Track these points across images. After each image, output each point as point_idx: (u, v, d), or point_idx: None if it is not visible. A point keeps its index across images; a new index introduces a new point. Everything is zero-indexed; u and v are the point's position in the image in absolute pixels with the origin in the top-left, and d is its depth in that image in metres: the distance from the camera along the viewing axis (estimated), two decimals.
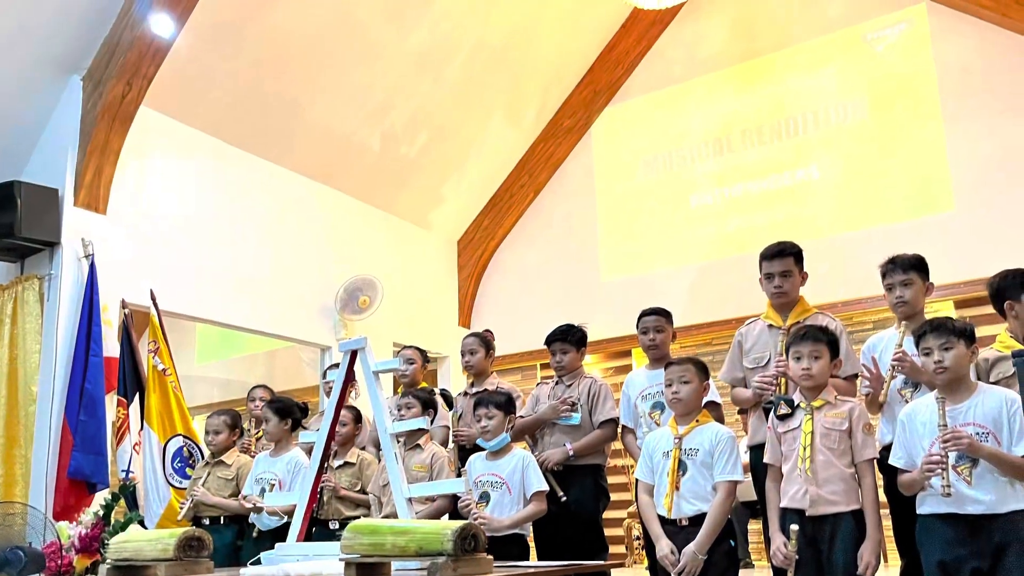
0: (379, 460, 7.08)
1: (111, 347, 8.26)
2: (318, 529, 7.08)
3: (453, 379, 12.06)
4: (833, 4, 10.80)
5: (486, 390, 7.02)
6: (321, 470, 5.50)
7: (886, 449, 5.15)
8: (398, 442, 5.65)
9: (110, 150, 8.40)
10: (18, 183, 8.05)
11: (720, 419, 6.03)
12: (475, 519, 5.76)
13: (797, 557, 4.94)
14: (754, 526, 9.00)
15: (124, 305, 8.47)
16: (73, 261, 8.24)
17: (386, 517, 6.30)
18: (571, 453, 6.69)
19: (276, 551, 5.22)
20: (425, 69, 10.73)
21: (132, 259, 8.63)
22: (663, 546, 5.38)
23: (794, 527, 4.94)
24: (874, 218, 10.10)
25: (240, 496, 7.36)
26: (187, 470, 8.30)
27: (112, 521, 6.78)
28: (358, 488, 7.22)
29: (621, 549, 10.20)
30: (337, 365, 5.93)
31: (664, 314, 6.83)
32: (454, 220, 12.86)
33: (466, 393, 7.51)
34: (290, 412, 7.51)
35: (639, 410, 6.66)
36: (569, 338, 7.06)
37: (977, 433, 4.51)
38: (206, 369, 14.28)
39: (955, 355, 4.64)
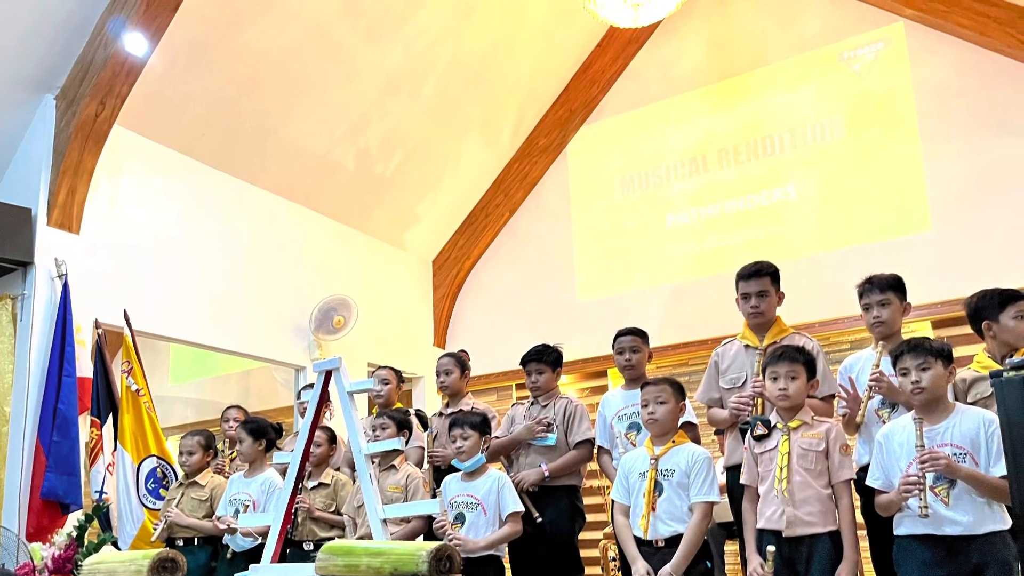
0: (354, 481, 7.06)
1: (84, 367, 8.18)
2: (292, 550, 7.05)
3: (428, 399, 11.99)
4: (810, 23, 10.80)
5: (461, 410, 7.01)
6: (295, 491, 5.48)
7: (863, 470, 5.16)
8: (373, 463, 5.63)
9: (83, 169, 8.34)
10: None
11: (696, 440, 6.05)
12: (450, 540, 5.75)
13: None
14: (731, 547, 8.96)
15: (98, 325, 8.41)
16: (46, 281, 8.17)
17: (361, 538, 6.28)
18: (547, 474, 6.69)
19: (250, 572, 5.18)
20: (400, 88, 10.70)
21: (106, 279, 8.56)
22: (639, 567, 5.38)
23: (771, 548, 4.94)
24: (851, 238, 10.09)
25: (214, 517, 7.32)
26: (161, 491, 8.24)
27: (85, 542, 6.78)
28: (332, 509, 7.18)
29: (597, 570, 10.16)
30: (311, 385, 5.90)
31: (640, 334, 6.84)
32: (429, 240, 12.82)
33: (441, 413, 7.50)
34: (264, 433, 7.49)
35: (615, 430, 6.67)
36: (545, 358, 7.06)
37: (955, 454, 4.51)
38: (180, 390, 14.19)
39: (932, 375, 4.65)
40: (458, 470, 6.29)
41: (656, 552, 5.39)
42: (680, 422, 5.76)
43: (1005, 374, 3.87)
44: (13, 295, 8.22)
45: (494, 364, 11.70)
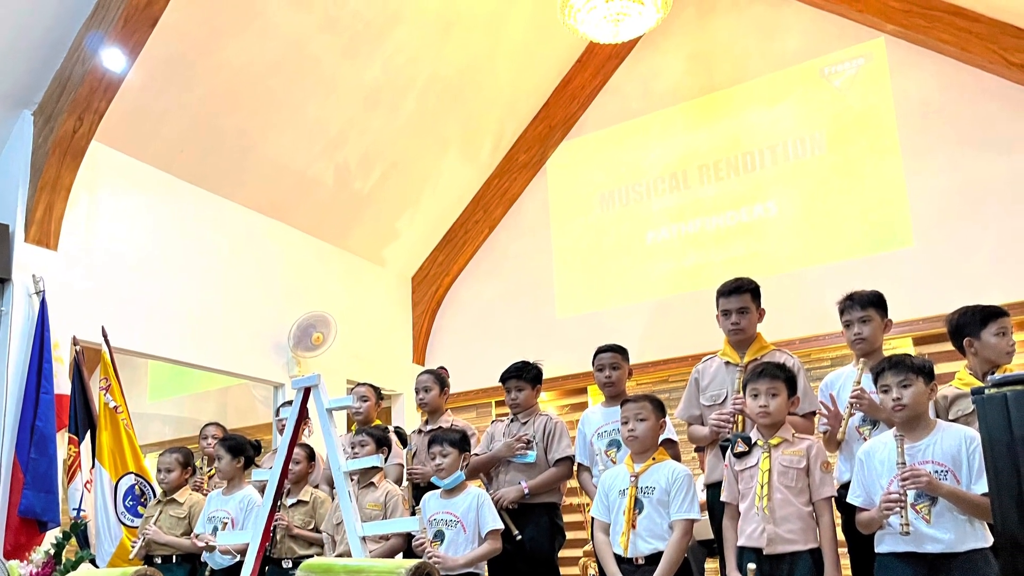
0: (333, 498, 7.02)
1: (62, 384, 8.14)
2: (271, 568, 7.02)
3: (407, 416, 11.95)
4: (791, 38, 10.81)
5: (440, 428, 7.00)
6: (274, 508, 5.45)
7: (844, 487, 5.14)
8: (352, 480, 5.60)
9: (61, 186, 8.31)
10: None
11: (677, 457, 6.02)
12: (429, 558, 5.74)
13: None
14: (711, 565, 8.94)
15: (75, 342, 8.36)
16: (24, 297, 8.12)
17: (340, 556, 6.25)
18: (526, 491, 6.66)
19: None
20: (379, 104, 10.69)
21: (83, 296, 8.52)
22: None
23: (751, 566, 4.91)
24: (832, 254, 10.08)
25: (192, 535, 7.28)
26: (139, 508, 8.19)
27: (63, 560, 6.73)
28: (311, 527, 7.15)
29: None
30: (290, 402, 5.89)
31: (620, 351, 6.82)
32: (408, 256, 12.80)
33: (420, 431, 7.46)
34: (243, 450, 7.46)
35: (595, 448, 6.64)
36: (524, 375, 7.03)
37: (936, 471, 4.50)
38: (158, 407, 14.13)
39: (914, 392, 4.63)
40: (437, 487, 6.27)
41: (636, 570, 5.37)
42: (660, 439, 5.74)
43: (987, 391, 3.86)
44: None
45: (473, 381, 11.66)
